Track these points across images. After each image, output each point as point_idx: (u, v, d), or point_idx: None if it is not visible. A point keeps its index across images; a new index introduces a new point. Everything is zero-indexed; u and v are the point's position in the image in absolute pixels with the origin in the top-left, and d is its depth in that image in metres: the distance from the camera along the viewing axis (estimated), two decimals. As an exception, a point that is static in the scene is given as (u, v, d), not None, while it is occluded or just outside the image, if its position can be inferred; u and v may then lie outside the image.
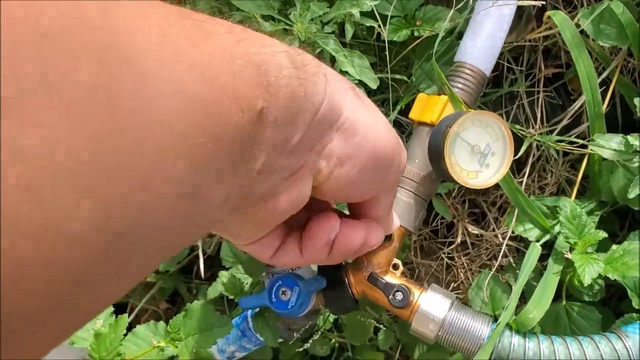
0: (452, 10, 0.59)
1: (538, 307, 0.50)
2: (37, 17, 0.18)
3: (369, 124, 0.34)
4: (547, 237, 0.59)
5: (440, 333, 0.49)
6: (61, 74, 0.18)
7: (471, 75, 0.55)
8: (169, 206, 0.23)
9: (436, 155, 0.48)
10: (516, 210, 0.60)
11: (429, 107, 0.54)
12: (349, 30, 0.57)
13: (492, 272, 0.70)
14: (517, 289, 0.51)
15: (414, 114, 0.55)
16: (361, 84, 0.60)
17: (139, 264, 0.24)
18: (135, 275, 0.24)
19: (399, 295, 0.50)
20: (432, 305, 0.49)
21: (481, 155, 0.49)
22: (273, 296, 0.52)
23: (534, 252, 0.53)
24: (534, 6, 0.73)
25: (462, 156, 0.48)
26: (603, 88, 0.64)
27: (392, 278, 0.51)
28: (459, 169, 0.48)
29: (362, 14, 0.58)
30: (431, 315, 0.49)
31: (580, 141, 0.61)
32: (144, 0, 0.23)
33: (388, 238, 0.50)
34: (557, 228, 0.56)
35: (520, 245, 0.77)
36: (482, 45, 0.55)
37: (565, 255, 0.53)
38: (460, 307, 0.50)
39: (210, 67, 0.24)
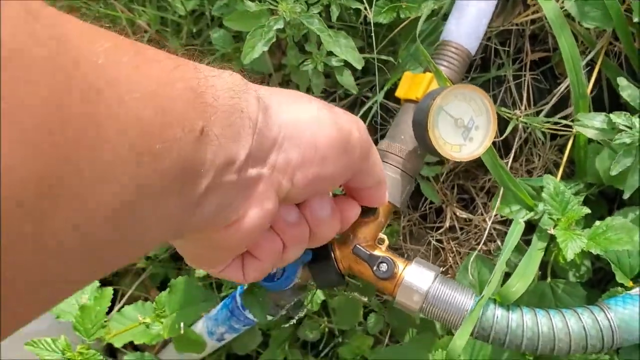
0: (437, -9, 0.60)
1: (522, 280, 0.51)
2: None
3: (307, 121, 0.36)
4: (532, 215, 0.59)
5: (424, 305, 0.49)
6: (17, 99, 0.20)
7: (456, 53, 0.55)
8: (102, 222, 0.24)
9: (420, 128, 0.49)
10: (500, 192, 0.60)
11: (414, 85, 0.54)
12: (334, 12, 0.58)
13: (479, 254, 0.70)
14: (501, 262, 0.52)
15: (400, 92, 0.55)
16: (346, 65, 0.60)
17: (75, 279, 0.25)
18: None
19: (383, 267, 0.50)
20: (417, 277, 0.50)
21: (465, 128, 0.50)
22: (259, 271, 0.52)
23: (517, 227, 0.54)
24: (521, -9, 0.74)
25: (446, 129, 0.49)
26: (588, 69, 0.65)
27: (377, 251, 0.51)
28: (443, 142, 0.49)
29: (348, -3, 0.59)
30: (415, 287, 0.50)
31: (565, 122, 0.61)
32: (93, 27, 0.25)
33: (373, 212, 0.51)
34: (541, 206, 0.56)
35: (508, 228, 0.77)
36: (467, 23, 0.55)
37: (549, 232, 0.54)
38: (445, 280, 0.50)
39: (152, 91, 0.26)
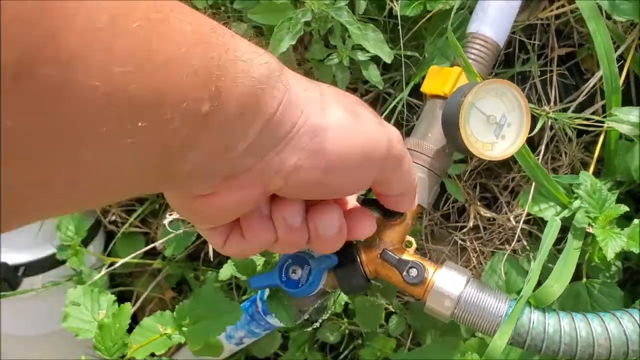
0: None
1: (559, 281, 0.49)
2: None
3: (322, 127, 0.33)
4: (565, 213, 0.57)
5: (456, 311, 0.48)
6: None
7: (485, 46, 0.53)
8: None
9: (451, 126, 0.47)
10: (531, 190, 0.59)
11: (441, 79, 0.52)
12: (362, 5, 0.56)
13: (507, 254, 0.68)
14: (538, 262, 0.50)
15: (425, 87, 0.53)
16: (373, 59, 0.58)
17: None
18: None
19: (413, 272, 0.48)
20: (448, 281, 0.48)
21: (497, 126, 0.48)
22: (283, 275, 0.50)
23: (554, 225, 0.51)
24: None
25: (478, 127, 0.47)
26: (619, 64, 0.63)
27: (406, 256, 0.49)
28: (474, 140, 0.47)
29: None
30: (446, 292, 0.48)
31: (597, 117, 0.59)
32: None
33: (400, 215, 0.49)
34: (575, 203, 0.54)
35: (533, 228, 0.75)
36: (495, 15, 0.53)
37: (587, 230, 0.52)
38: (477, 284, 0.48)
39: (158, 68, 0.24)
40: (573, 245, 0.52)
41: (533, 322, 0.47)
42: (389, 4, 0.59)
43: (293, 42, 0.54)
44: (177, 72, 0.25)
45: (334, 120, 0.34)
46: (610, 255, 0.49)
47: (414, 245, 0.51)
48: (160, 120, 0.25)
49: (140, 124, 0.24)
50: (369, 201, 0.46)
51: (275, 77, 0.31)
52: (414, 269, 0.48)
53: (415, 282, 0.48)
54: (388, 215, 0.48)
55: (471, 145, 0.47)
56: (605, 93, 0.57)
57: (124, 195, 0.31)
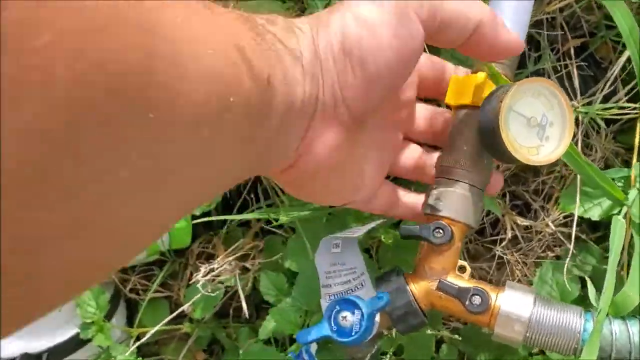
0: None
1: (637, 286, 0.45)
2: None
3: (347, 33, 0.36)
4: (613, 209, 0.53)
5: (528, 334, 0.44)
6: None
7: None
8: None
9: (490, 135, 0.43)
10: (578, 189, 0.55)
11: (465, 88, 0.49)
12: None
13: (550, 261, 0.65)
14: (610, 269, 0.46)
15: (450, 98, 0.49)
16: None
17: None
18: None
19: (476, 300, 0.44)
20: (514, 304, 0.44)
21: (539, 127, 0.44)
22: (333, 324, 0.46)
23: (619, 226, 0.48)
24: (547, -23, 0.69)
25: (519, 131, 0.43)
26: None
27: (462, 282, 0.45)
28: (519, 146, 0.43)
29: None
30: (515, 316, 0.44)
31: (632, 105, 0.56)
32: None
33: (448, 239, 0.45)
34: (631, 195, 0.51)
35: (572, 229, 0.72)
36: (512, 10, 0.50)
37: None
38: (545, 301, 0.44)
39: (224, 45, 0.27)
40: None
41: (616, 333, 0.43)
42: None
43: None
44: (238, 49, 0.29)
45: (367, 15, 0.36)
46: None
47: (468, 269, 0.47)
48: (235, 85, 0.28)
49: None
50: (409, 236, 0.43)
51: (293, 26, 0.36)
52: (477, 296, 0.44)
53: (480, 310, 0.44)
54: (435, 239, 0.45)
55: (516, 152, 0.43)
56: (637, 77, 0.54)
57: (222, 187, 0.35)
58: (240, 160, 0.32)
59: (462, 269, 0.47)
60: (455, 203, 0.45)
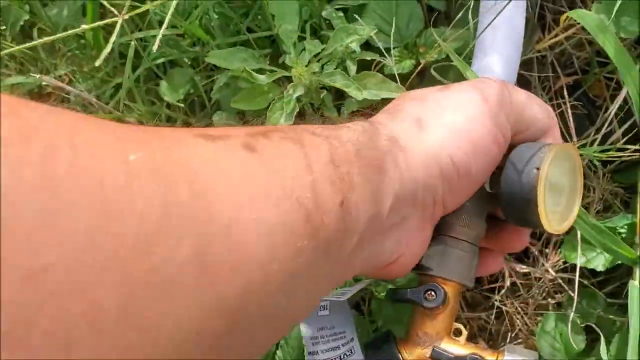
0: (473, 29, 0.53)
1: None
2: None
3: (440, 144, 0.35)
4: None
5: (534, 400, 0.40)
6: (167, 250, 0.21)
7: None
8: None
9: (521, 203, 0.39)
10: (579, 239, 0.52)
11: None
12: (351, 67, 0.50)
13: (557, 313, 0.61)
14: (633, 339, 0.42)
15: None
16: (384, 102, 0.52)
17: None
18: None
19: (474, 367, 0.40)
20: (515, 370, 0.40)
21: (558, 193, 0.41)
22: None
23: (635, 294, 0.44)
24: (537, 16, 0.67)
25: (548, 200, 0.40)
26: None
27: (457, 347, 0.42)
28: (551, 217, 0.39)
29: (361, 48, 0.52)
30: (517, 383, 0.40)
31: (631, 147, 0.54)
32: (217, 152, 0.25)
33: (443, 301, 0.41)
34: (640, 251, 0.48)
35: (573, 275, 0.68)
36: (502, 50, 0.47)
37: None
38: (550, 364, 0.41)
39: (285, 192, 0.26)
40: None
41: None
42: (378, 63, 0.53)
43: (291, 122, 0.48)
44: (307, 187, 0.28)
45: (452, 126, 0.36)
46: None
47: (465, 332, 0.43)
48: (313, 230, 0.28)
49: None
50: (399, 300, 0.40)
51: (371, 131, 0.34)
52: (475, 363, 0.40)
53: (479, 378, 0.40)
54: (426, 302, 0.41)
55: (549, 224, 0.39)
56: (636, 118, 0.52)
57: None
58: (325, 281, 0.31)
59: (457, 332, 0.43)
60: (450, 261, 0.42)
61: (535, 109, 0.41)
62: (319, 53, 0.49)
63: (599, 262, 0.54)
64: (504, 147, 0.38)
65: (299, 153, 0.28)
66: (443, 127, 0.36)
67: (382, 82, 0.50)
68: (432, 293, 0.41)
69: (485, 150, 0.36)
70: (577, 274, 0.56)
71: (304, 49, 0.49)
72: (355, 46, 0.49)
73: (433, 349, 0.41)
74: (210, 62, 0.52)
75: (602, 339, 0.43)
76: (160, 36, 0.40)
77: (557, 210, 0.41)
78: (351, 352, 0.44)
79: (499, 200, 0.41)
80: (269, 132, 0.29)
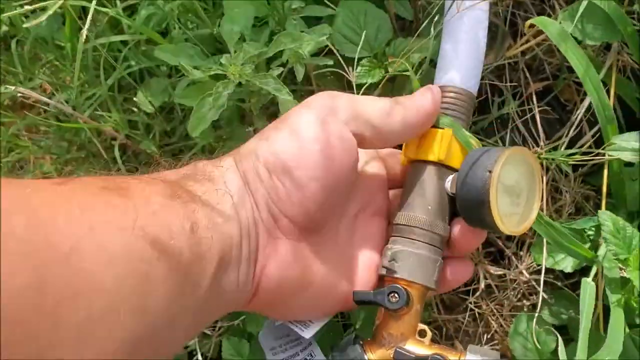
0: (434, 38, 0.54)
1: (612, 349, 0.42)
2: None
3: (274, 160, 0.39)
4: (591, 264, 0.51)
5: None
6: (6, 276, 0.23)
7: (459, 99, 0.48)
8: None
9: (476, 205, 0.41)
10: (544, 242, 0.53)
11: (426, 142, 0.46)
12: (300, 71, 0.51)
13: (526, 313, 0.62)
14: (582, 339, 0.44)
15: (410, 152, 0.47)
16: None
17: None
18: None
19: (436, 367, 0.41)
20: (476, 370, 0.41)
21: (515, 196, 0.42)
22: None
23: (588, 290, 0.46)
24: (507, 22, 0.69)
25: (503, 202, 0.41)
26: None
27: (421, 348, 0.43)
28: (506, 219, 0.41)
29: (316, 54, 0.53)
30: (477, 382, 0.41)
31: (595, 150, 0.55)
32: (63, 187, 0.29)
33: (406, 302, 0.42)
34: (600, 252, 0.49)
35: (549, 277, 0.70)
36: (462, 61, 0.48)
37: (622, 274, 0.46)
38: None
39: (128, 221, 0.29)
40: (614, 301, 0.46)
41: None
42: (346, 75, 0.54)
43: (216, 117, 0.49)
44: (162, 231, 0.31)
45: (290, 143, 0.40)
46: (654, 298, 0.44)
47: (429, 334, 0.44)
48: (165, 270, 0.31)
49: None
50: (363, 302, 0.42)
51: (214, 171, 0.39)
52: (437, 365, 0.41)
53: (440, 378, 0.41)
54: (390, 304, 0.42)
55: (503, 225, 0.41)
56: (600, 123, 0.53)
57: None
58: (183, 313, 0.32)
59: (422, 333, 0.44)
60: (413, 264, 0.43)
61: (369, 108, 0.42)
62: (257, 54, 0.50)
63: (567, 263, 0.55)
64: (341, 146, 0.40)
65: (145, 189, 0.33)
66: (262, 143, 0.40)
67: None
68: (396, 295, 0.42)
69: (310, 152, 0.38)
70: (542, 275, 0.57)
71: (243, 48, 0.50)
72: (303, 51, 0.50)
73: (395, 350, 0.42)
74: (158, 57, 0.53)
75: (560, 339, 0.44)
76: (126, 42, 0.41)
77: (516, 212, 0.42)
78: (311, 355, 0.45)
79: (456, 203, 0.43)
80: (127, 179, 0.33)
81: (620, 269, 0.47)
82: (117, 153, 0.60)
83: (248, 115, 0.59)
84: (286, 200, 0.38)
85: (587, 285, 0.46)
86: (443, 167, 0.46)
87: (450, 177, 0.45)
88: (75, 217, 0.27)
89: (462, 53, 0.48)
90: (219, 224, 0.35)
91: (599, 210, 0.49)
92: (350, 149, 0.40)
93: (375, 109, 0.41)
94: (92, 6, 0.35)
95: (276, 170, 0.38)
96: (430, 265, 0.43)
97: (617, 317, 0.45)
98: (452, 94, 0.48)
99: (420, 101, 0.44)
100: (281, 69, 0.52)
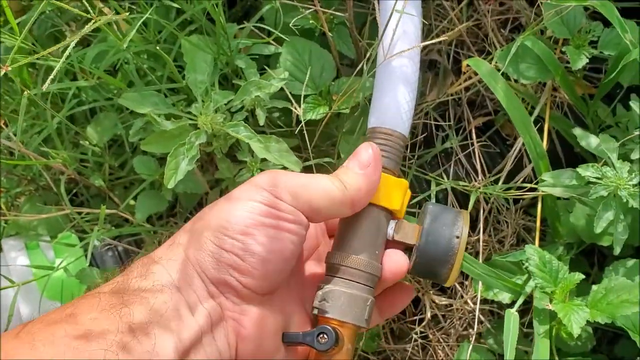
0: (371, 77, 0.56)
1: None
2: None
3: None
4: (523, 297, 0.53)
5: None
6: None
7: (390, 140, 0.49)
8: None
9: (439, 264, 0.45)
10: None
11: (393, 191, 0.47)
12: (261, 115, 0.53)
13: (471, 344, 0.64)
14: None
15: None
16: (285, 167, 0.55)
17: None
18: None
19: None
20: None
21: None
22: None
23: (512, 320, 0.48)
24: (450, 59, 0.71)
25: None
26: (537, 126, 0.62)
27: None
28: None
29: (274, 96, 0.54)
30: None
31: (529, 185, 0.57)
32: None
33: (335, 342, 0.43)
34: (529, 285, 0.51)
35: (493, 306, 0.71)
36: (391, 104, 0.49)
37: (546, 307, 0.48)
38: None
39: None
40: (541, 332, 0.48)
41: None
42: (294, 112, 0.56)
43: (191, 168, 0.50)
44: None
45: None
46: (576, 331, 0.46)
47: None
48: None
49: None
50: (293, 343, 0.43)
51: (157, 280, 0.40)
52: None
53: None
54: (320, 345, 0.43)
55: (454, 278, 0.45)
56: (532, 161, 0.55)
57: None
58: None
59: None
60: (344, 303, 0.44)
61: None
62: (227, 103, 0.52)
63: (505, 295, 0.57)
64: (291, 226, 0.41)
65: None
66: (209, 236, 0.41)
67: (285, 151, 0.53)
68: (325, 336, 0.42)
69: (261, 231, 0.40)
70: (478, 306, 0.59)
71: (212, 97, 0.51)
72: (265, 97, 0.51)
73: None
74: (122, 104, 0.54)
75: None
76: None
77: None
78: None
79: (413, 255, 0.46)
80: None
81: (550, 300, 0.49)
82: (62, 190, 0.60)
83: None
84: (251, 277, 0.40)
85: (511, 316, 0.48)
86: (378, 209, 0.47)
87: (392, 222, 0.47)
88: None
89: (392, 96, 0.49)
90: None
91: (526, 245, 0.51)
92: (300, 228, 0.42)
93: (320, 191, 0.43)
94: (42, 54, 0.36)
95: (233, 251, 0.40)
96: (362, 305, 0.44)
97: (543, 349, 0.47)
98: (382, 136, 0.49)
99: (366, 183, 0.44)
100: (245, 114, 0.54)
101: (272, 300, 0.42)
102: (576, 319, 0.47)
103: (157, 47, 0.52)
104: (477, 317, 0.60)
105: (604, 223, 0.49)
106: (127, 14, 0.39)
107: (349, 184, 0.43)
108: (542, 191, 0.56)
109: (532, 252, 0.50)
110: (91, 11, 0.36)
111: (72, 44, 0.33)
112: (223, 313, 0.40)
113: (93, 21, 0.35)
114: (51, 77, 0.36)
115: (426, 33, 0.69)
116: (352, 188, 0.43)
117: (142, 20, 0.46)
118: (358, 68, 0.55)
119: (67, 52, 0.34)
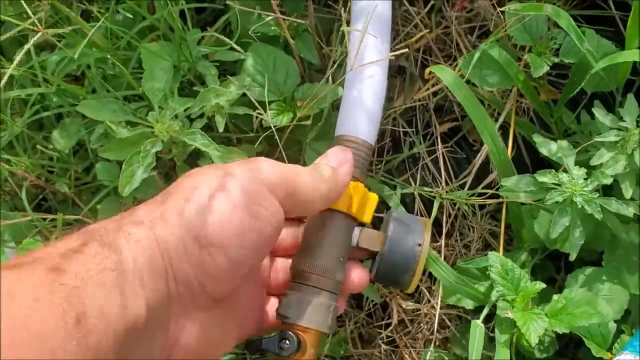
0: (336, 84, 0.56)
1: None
2: None
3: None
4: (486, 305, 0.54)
5: None
6: None
7: (357, 149, 0.49)
8: None
9: (400, 271, 0.46)
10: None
11: (352, 197, 0.47)
12: (220, 122, 0.52)
13: (436, 350, 0.64)
14: None
15: (341, 204, 0.47)
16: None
17: None
18: None
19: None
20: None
21: None
22: None
23: (477, 330, 0.48)
24: (417, 65, 0.72)
25: None
26: (504, 132, 0.62)
27: None
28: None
29: (240, 102, 0.54)
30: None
31: (490, 191, 0.58)
32: None
33: (297, 348, 0.43)
34: (493, 293, 0.51)
35: (460, 311, 0.72)
36: (360, 112, 0.49)
37: (507, 315, 0.48)
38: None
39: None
40: (502, 341, 0.48)
41: None
42: (256, 118, 0.56)
43: (146, 176, 0.50)
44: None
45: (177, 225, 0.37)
46: (534, 340, 0.46)
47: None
48: None
49: None
50: (256, 350, 0.42)
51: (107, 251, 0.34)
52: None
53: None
54: (281, 350, 0.43)
55: (414, 285, 0.46)
56: (495, 167, 0.56)
57: None
58: None
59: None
60: (307, 309, 0.44)
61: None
62: (184, 110, 0.51)
63: (469, 301, 0.57)
64: (271, 220, 0.38)
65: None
66: (190, 209, 0.37)
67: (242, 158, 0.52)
68: (286, 341, 0.42)
69: (245, 227, 0.37)
70: (437, 311, 0.59)
71: (168, 105, 0.51)
72: (225, 104, 0.51)
73: None
74: (81, 112, 0.53)
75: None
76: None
77: None
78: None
79: (376, 262, 0.46)
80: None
81: (512, 308, 0.49)
82: (24, 196, 0.59)
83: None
84: (215, 276, 0.37)
85: (477, 326, 0.48)
86: (344, 216, 0.47)
87: (357, 229, 0.47)
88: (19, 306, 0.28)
89: (360, 105, 0.49)
90: (116, 305, 0.32)
91: (489, 252, 0.51)
92: (278, 220, 0.39)
93: (303, 182, 0.41)
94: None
95: (211, 250, 0.36)
96: (325, 311, 0.44)
97: (503, 357, 0.47)
98: (349, 144, 0.49)
99: (341, 179, 0.44)
100: (205, 120, 0.54)
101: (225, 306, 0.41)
102: (535, 328, 0.47)
103: (112, 55, 0.52)
104: (436, 322, 0.60)
105: (560, 229, 0.50)
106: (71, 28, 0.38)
107: (325, 175, 0.43)
108: (505, 197, 0.56)
109: (495, 260, 0.50)
110: (38, 24, 0.35)
111: (18, 59, 0.32)
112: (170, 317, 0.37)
113: (40, 33, 0.34)
114: (2, 82, 0.35)
115: (393, 37, 0.69)
116: (329, 179, 0.43)
117: (95, 28, 0.45)
118: (327, 75, 0.55)
119: (16, 61, 0.33)
